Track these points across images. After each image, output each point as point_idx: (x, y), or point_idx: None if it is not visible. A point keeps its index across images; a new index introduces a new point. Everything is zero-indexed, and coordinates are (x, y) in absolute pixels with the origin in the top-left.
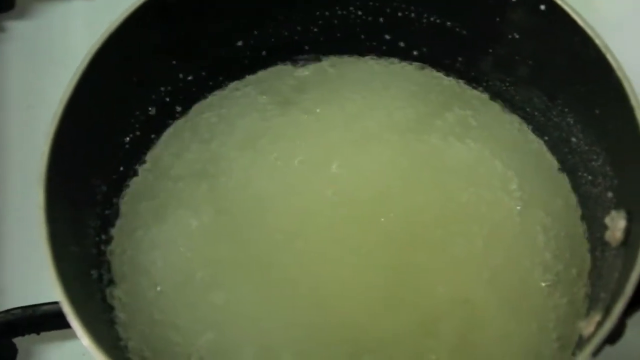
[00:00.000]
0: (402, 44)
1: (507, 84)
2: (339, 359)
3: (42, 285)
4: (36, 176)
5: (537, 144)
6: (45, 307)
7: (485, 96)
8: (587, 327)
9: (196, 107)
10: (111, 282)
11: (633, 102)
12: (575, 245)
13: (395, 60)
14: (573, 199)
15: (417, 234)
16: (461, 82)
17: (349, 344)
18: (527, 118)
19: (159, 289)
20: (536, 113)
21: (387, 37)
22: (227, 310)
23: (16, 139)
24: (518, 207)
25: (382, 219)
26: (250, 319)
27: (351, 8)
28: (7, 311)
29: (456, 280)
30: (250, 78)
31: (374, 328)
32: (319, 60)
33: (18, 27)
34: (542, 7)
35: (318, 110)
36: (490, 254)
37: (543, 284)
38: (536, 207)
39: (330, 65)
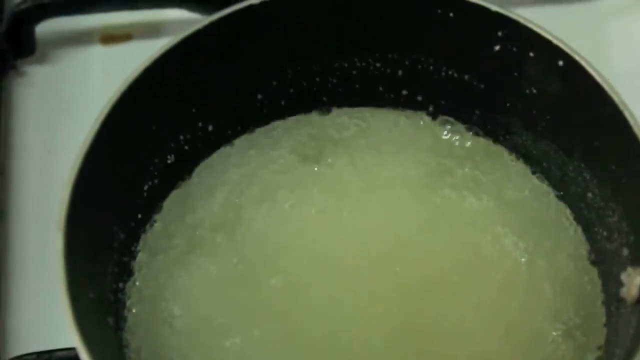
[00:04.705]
0: (419, 98)
1: (524, 138)
2: None
3: (58, 330)
4: (55, 222)
5: (550, 199)
6: (60, 353)
7: (500, 150)
8: None
9: (215, 156)
10: (128, 329)
11: None
12: (588, 299)
13: (410, 112)
14: (585, 253)
15: (433, 282)
16: (476, 136)
17: None
18: (543, 172)
19: (176, 334)
20: (553, 167)
21: (405, 91)
22: (244, 355)
23: (35, 184)
24: (523, 259)
25: (397, 268)
26: None
27: (370, 60)
28: (22, 356)
29: (472, 329)
30: (269, 128)
31: None
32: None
33: (38, 72)
34: (560, 62)
35: (329, 160)
36: (504, 304)
37: (554, 335)
38: (541, 259)
39: (347, 118)
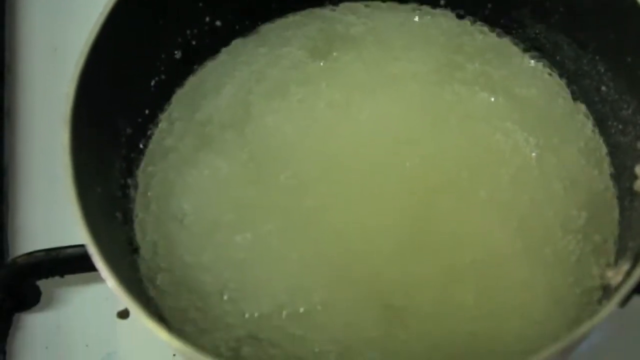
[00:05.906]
0: None
1: (537, 32)
2: (365, 298)
3: (66, 228)
4: (61, 118)
5: (561, 95)
6: (69, 250)
7: (512, 46)
8: (615, 276)
9: (223, 53)
10: (138, 225)
11: None
12: (600, 194)
13: (420, 7)
14: (597, 148)
15: (443, 178)
16: (488, 32)
17: (375, 285)
18: (556, 66)
19: (186, 231)
20: (566, 61)
21: None
22: (254, 251)
23: (41, 82)
24: (533, 154)
25: (407, 163)
26: (277, 260)
27: None
28: (31, 253)
29: (483, 225)
30: (276, 24)
31: (398, 270)
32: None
33: None
34: None
35: (336, 55)
36: (515, 199)
37: (567, 230)
38: (552, 154)
39: (356, 17)
